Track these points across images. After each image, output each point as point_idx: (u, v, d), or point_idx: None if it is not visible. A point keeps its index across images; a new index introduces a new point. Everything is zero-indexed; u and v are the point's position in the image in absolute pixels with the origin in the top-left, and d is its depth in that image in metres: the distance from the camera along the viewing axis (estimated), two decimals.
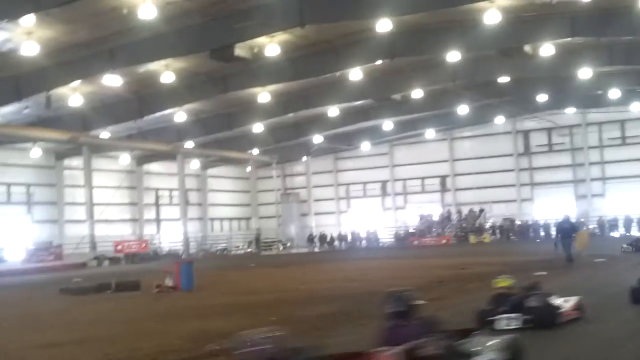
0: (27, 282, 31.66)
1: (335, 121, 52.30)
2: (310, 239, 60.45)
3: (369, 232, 60.64)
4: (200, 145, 56.31)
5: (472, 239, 53.62)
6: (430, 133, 59.53)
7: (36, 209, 51.54)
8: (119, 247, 50.15)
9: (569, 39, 34.01)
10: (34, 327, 13.72)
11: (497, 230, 55.78)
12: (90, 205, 48.68)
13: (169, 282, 20.66)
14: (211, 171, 66.12)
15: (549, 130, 57.94)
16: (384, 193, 65.17)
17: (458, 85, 45.03)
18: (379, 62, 38.09)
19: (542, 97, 49.69)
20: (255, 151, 61.16)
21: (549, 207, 54.76)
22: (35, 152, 48.61)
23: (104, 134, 48.86)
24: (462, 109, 51.40)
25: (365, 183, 65.91)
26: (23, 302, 20.04)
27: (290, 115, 50.55)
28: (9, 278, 34.74)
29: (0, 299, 21.92)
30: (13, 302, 20.14)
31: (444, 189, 62.35)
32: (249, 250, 59.45)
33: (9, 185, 49.71)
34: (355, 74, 39.46)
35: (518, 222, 55.98)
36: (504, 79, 44.03)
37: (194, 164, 61.45)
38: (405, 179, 64.08)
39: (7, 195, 49.73)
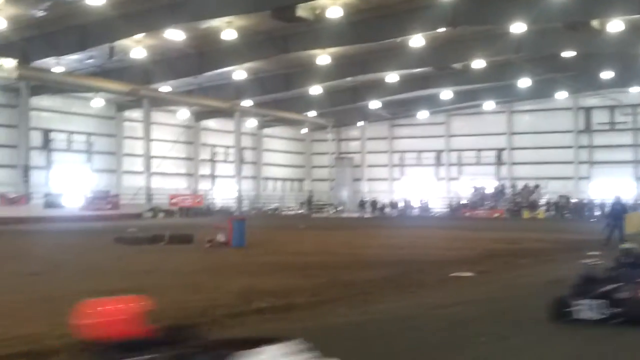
0: (83, 229, 32.54)
1: (393, 87, 51.95)
2: (362, 204, 60.53)
3: (421, 201, 60.44)
4: (258, 105, 56.61)
5: (526, 214, 52.99)
6: (489, 105, 58.69)
7: (96, 158, 52.71)
8: (174, 201, 51.05)
9: (639, 15, 33.02)
10: (88, 274, 14.13)
11: (552, 207, 54.96)
12: (148, 157, 49.56)
13: (220, 237, 20.99)
14: (267, 131, 66.53)
15: (611, 109, 56.52)
16: (438, 163, 64.72)
17: (521, 58, 44.21)
18: (441, 29, 37.58)
19: (606, 74, 48.41)
20: (312, 113, 61.21)
21: (607, 187, 53.61)
22: (97, 102, 49.62)
23: (164, 88, 49.51)
24: (524, 82, 50.48)
25: (419, 152, 65.51)
26: (79, 249, 20.62)
27: (349, 79, 50.44)
28: (67, 224, 35.80)
29: (58, 245, 22.60)
30: (70, 249, 20.74)
31: (499, 162, 61.61)
32: (300, 211, 59.88)
33: (70, 133, 50.89)
34: (417, 40, 39.05)
35: (573, 200, 55.04)
36: (568, 54, 42.99)
37: (251, 123, 61.88)
38: (460, 150, 63.49)
39: (69, 143, 50.95)
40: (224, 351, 3.85)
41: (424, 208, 59.42)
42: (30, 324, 8.37)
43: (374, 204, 59.76)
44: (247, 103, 54.81)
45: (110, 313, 4.10)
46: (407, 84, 51.82)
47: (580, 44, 39.55)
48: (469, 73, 47.48)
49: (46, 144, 49.07)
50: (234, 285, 12.14)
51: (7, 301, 10.39)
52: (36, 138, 47.32)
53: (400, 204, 60.11)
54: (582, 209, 53.74)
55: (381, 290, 12.01)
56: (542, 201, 56.15)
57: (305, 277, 13.50)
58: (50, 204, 42.89)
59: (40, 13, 34.66)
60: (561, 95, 55.63)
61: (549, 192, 56.58)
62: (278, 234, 28.87)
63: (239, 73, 46.23)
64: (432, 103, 58.80)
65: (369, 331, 8.44)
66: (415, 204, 60.25)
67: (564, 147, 57.87)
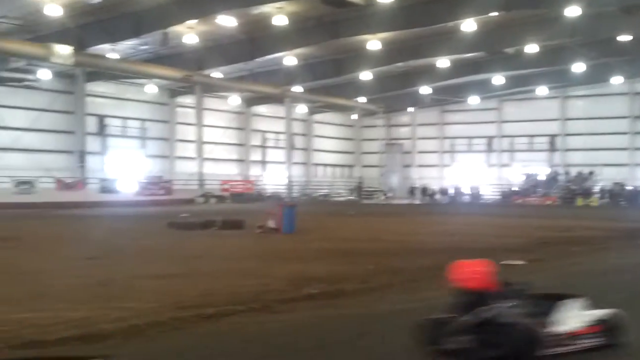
0: (137, 214, 33.13)
1: (444, 73, 51.51)
2: (411, 190, 60.29)
3: (471, 187, 59.90)
4: (308, 91, 56.72)
5: (579, 201, 52.08)
6: (542, 90, 57.77)
7: (149, 144, 53.57)
8: (225, 186, 51.58)
9: None
10: (142, 259, 14.40)
11: (606, 195, 53.89)
12: (200, 143, 50.13)
13: (271, 223, 21.13)
14: (317, 117, 66.68)
15: None
16: (489, 149, 64.07)
17: (575, 42, 43.33)
18: (494, 13, 37.04)
19: None
20: (362, 99, 61.08)
21: None
22: (151, 89, 50.36)
23: (216, 74, 49.95)
24: (578, 67, 49.51)
25: (470, 138, 64.93)
26: (133, 234, 20.98)
27: (399, 64, 50.18)
28: (121, 209, 36.51)
29: (113, 230, 23.05)
30: (124, 233, 21.14)
31: (552, 148, 60.70)
32: (350, 197, 59.91)
33: (125, 119, 51.79)
34: (469, 25, 38.60)
35: (628, 188, 53.87)
36: (624, 37, 41.99)
37: (301, 109, 62.06)
38: (512, 136, 62.72)
39: (123, 129, 51.87)
40: (548, 302, 6.39)
41: (475, 195, 58.85)
42: (85, 307, 8.55)
43: (423, 190, 59.43)
44: (297, 89, 54.96)
45: (474, 271, 6.33)
46: (459, 69, 51.33)
47: (636, 27, 38.66)
48: (521, 58, 46.77)
49: (101, 130, 50.08)
50: (285, 271, 12.24)
51: (63, 285, 10.67)
52: (92, 124, 48.31)
53: (451, 191, 59.64)
54: (636, 196, 52.55)
55: (431, 277, 11.95)
56: (596, 188, 55.09)
57: (354, 263, 13.52)
58: (105, 189, 43.81)
59: (96, 0, 35.29)
60: (616, 80, 54.40)
61: (603, 179, 55.49)
62: (328, 221, 28.94)
63: (289, 59, 46.37)
64: (483, 88, 58.14)
65: (418, 318, 8.43)
66: (466, 190, 59.69)
67: (619, 134, 56.69)
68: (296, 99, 57.43)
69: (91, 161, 46.68)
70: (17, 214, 31.33)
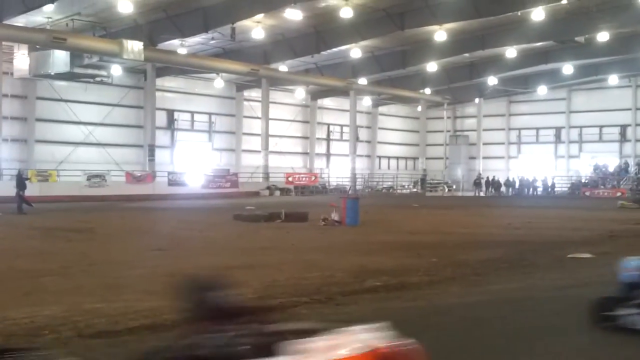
0: (204, 206, 33.69)
1: (511, 63, 50.68)
2: (477, 182, 59.63)
3: (538, 179, 58.73)
4: (373, 83, 56.59)
5: None
6: (613, 79, 56.19)
7: (216, 137, 54.33)
8: (290, 179, 51.92)
9: None
10: (209, 250, 14.69)
11: None
12: (266, 136, 50.58)
13: (335, 216, 21.27)
14: (382, 109, 66.48)
15: None
16: (557, 140, 62.79)
17: None
18: (564, 1, 36.26)
19: None
20: (427, 91, 60.58)
21: None
22: (218, 83, 51.03)
23: (282, 68, 50.28)
24: None
25: (538, 129, 63.73)
26: (201, 226, 21.37)
27: (466, 55, 49.63)
28: (189, 201, 37.19)
29: (181, 222, 23.51)
30: (192, 225, 21.54)
31: (623, 139, 59.10)
32: (414, 190, 59.59)
33: (193, 113, 52.69)
34: (538, 13, 37.80)
35: None
36: None
37: (366, 101, 61.94)
38: (581, 127, 61.29)
39: (191, 123, 52.79)
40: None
41: (543, 187, 57.75)
42: (153, 298, 8.77)
43: (488, 182, 58.59)
44: (362, 81, 54.86)
45: None
46: (526, 58, 50.45)
47: None
48: (592, 46, 45.63)
49: (170, 124, 51.07)
50: (348, 263, 12.33)
51: (132, 275, 11.00)
52: (161, 118, 49.28)
53: (517, 183, 58.64)
54: None
55: (495, 270, 11.90)
56: None
57: (418, 256, 13.53)
58: (173, 181, 44.63)
59: None
60: None
61: None
62: (391, 213, 28.93)
63: (354, 51, 46.32)
64: (552, 78, 56.95)
65: (481, 312, 8.42)
66: (534, 182, 58.59)
67: None
68: (361, 91, 57.33)
69: (160, 155, 47.63)
70: (89, 207, 32.26)
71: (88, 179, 40.97)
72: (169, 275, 10.89)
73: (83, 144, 45.95)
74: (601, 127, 60.18)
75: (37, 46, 39.06)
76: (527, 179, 58.27)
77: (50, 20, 38.01)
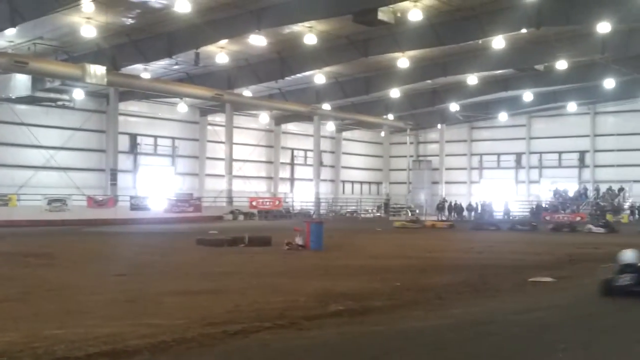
0: (167, 231, 33.44)
1: (473, 90, 51.44)
2: (440, 207, 60.05)
3: (500, 204, 59.28)
4: (337, 108, 56.96)
5: (609, 218, 51.41)
6: (571, 106, 57.29)
7: (179, 162, 54.09)
8: (254, 203, 51.80)
9: None
10: (171, 275, 14.56)
11: (637, 211, 53.15)
12: (230, 160, 50.51)
13: (299, 240, 21.23)
14: (346, 134, 66.87)
15: None
16: (518, 165, 63.74)
17: (606, 58, 42.96)
18: (524, 30, 36.96)
19: None
20: (390, 116, 61.14)
21: None
22: (182, 107, 50.91)
23: (246, 93, 50.35)
24: (608, 83, 49.02)
25: (499, 154, 64.66)
26: (163, 251, 21.20)
27: (428, 81, 50.23)
28: (152, 226, 36.87)
29: (143, 246, 23.31)
30: (154, 250, 21.35)
31: (582, 164, 60.20)
32: (377, 214, 59.82)
33: (156, 137, 52.42)
34: (498, 42, 38.48)
35: None
36: None
37: (330, 126, 62.25)
38: (541, 152, 62.36)
39: (154, 147, 52.49)
40: None
41: (505, 212, 58.34)
42: (114, 323, 8.68)
43: (451, 207, 59.02)
44: (326, 107, 55.17)
45: None
46: (488, 86, 51.26)
47: None
48: (551, 74, 46.53)
49: (133, 148, 50.71)
50: (312, 287, 12.31)
51: (92, 301, 10.85)
52: (124, 142, 48.90)
53: (479, 208, 59.16)
54: None
55: (458, 294, 11.98)
56: (627, 205, 54.40)
57: (382, 280, 13.56)
58: (136, 206, 44.22)
59: (129, 21, 35.90)
60: None
61: (633, 196, 54.82)
62: (355, 237, 28.98)
63: (318, 77, 46.60)
64: (512, 105, 57.89)
65: (445, 336, 8.46)
66: (494, 207, 59.15)
67: None
68: (325, 116, 57.64)
69: (122, 179, 47.21)
70: (49, 231, 31.81)
71: (49, 204, 40.43)
72: (130, 300, 10.80)
73: (44, 168, 45.36)
74: (560, 153, 61.26)
75: None
76: (489, 203, 58.83)
77: (12, 43, 37.64)
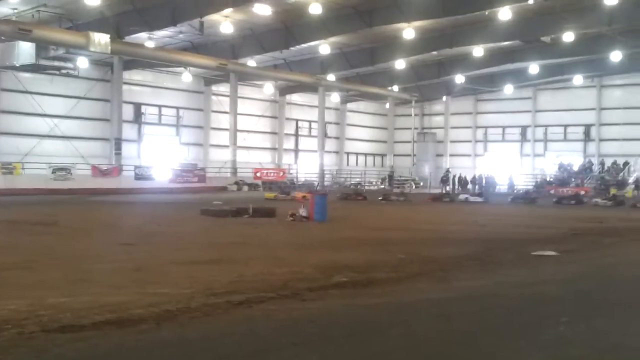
0: (172, 201, 33.53)
1: (478, 62, 51.09)
2: (444, 180, 59.95)
3: (504, 177, 59.15)
4: (342, 79, 56.68)
5: (613, 191, 51.29)
6: (578, 79, 56.96)
7: (184, 132, 54.01)
8: (258, 174, 51.81)
9: None
10: (175, 245, 14.62)
11: None
12: (234, 131, 50.43)
13: (302, 212, 21.27)
14: (350, 105, 66.65)
15: None
16: (523, 138, 63.54)
17: (613, 30, 42.63)
18: (531, 1, 36.65)
19: None
20: (395, 88, 60.87)
21: None
22: (187, 77, 50.73)
23: (251, 63, 50.13)
24: (615, 56, 48.67)
25: (504, 127, 64.45)
26: (168, 221, 21.26)
27: (434, 53, 49.93)
28: (156, 196, 36.95)
29: (148, 216, 23.38)
30: (159, 220, 21.42)
31: (587, 138, 60.01)
32: (381, 186, 59.78)
33: (160, 107, 52.33)
34: (505, 13, 38.15)
35: None
36: None
37: (334, 98, 62.03)
38: (546, 126, 62.14)
39: (159, 117, 52.42)
40: None
41: (509, 185, 58.23)
42: (119, 292, 8.74)
43: (461, 180, 58.86)
44: (331, 77, 54.93)
45: None
46: (494, 57, 50.92)
47: None
48: (557, 46, 46.21)
49: (137, 118, 50.66)
50: (315, 259, 12.35)
51: (98, 270, 10.91)
52: (128, 112, 48.86)
53: (483, 181, 59.03)
54: None
55: (462, 267, 12.00)
56: (631, 179, 54.27)
57: (385, 252, 13.60)
58: (140, 176, 44.27)
59: None
60: None
61: (638, 170, 54.65)
62: (359, 209, 29.02)
63: (323, 47, 46.32)
64: (518, 77, 57.61)
65: (449, 308, 8.49)
66: (499, 180, 59.04)
67: None
68: (330, 87, 57.40)
69: (127, 148, 47.25)
70: (54, 200, 31.91)
71: (53, 172, 40.49)
72: (135, 270, 10.85)
73: (48, 137, 45.36)
74: (566, 126, 61.06)
75: (2, 37, 38.40)
76: (493, 176, 58.68)
77: (15, 11, 37.45)
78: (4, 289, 8.94)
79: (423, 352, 6.48)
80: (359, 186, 56.44)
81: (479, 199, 38.58)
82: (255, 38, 44.86)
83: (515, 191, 48.83)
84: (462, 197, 40.06)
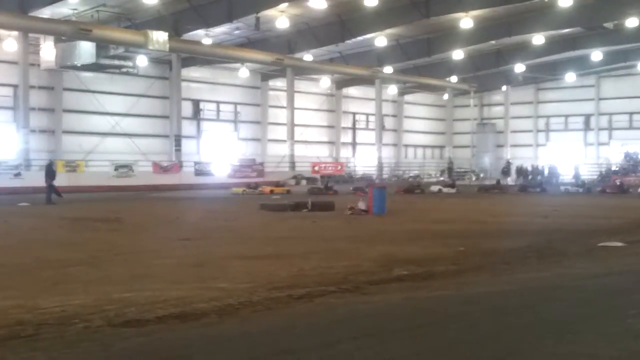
0: (231, 196, 33.79)
1: (539, 50, 50.15)
2: (505, 171, 59.08)
3: (568, 167, 57.92)
4: (399, 71, 56.33)
5: None
6: None
7: (242, 127, 54.50)
8: (316, 168, 51.90)
9: None
10: (236, 240, 14.72)
11: None
12: (292, 125, 50.62)
13: (361, 205, 21.24)
14: (408, 97, 66.20)
15: None
16: (586, 127, 62.15)
17: None
18: None
19: None
20: (454, 79, 60.19)
21: None
22: (243, 73, 51.13)
23: (307, 57, 50.24)
24: None
25: (567, 116, 63.16)
26: (227, 216, 21.42)
27: (492, 42, 49.20)
28: (215, 191, 37.35)
29: (208, 212, 23.62)
30: (218, 215, 21.62)
31: None
32: (441, 179, 59.23)
33: (218, 103, 52.88)
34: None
35: None
36: None
37: (392, 90, 61.71)
38: (611, 114, 60.66)
39: (217, 113, 52.99)
40: None
41: (575, 175, 56.98)
42: (181, 286, 8.82)
43: (523, 171, 57.89)
44: (387, 70, 54.64)
45: None
46: (554, 45, 49.93)
47: None
48: (620, 32, 45.06)
49: (196, 114, 51.32)
50: (375, 252, 12.29)
51: (161, 265, 11.05)
52: (187, 108, 49.54)
53: (546, 171, 57.93)
54: None
55: (524, 259, 11.79)
56: None
57: (445, 245, 13.45)
58: (200, 171, 44.84)
59: None
60: None
61: None
62: (418, 202, 28.81)
63: (380, 40, 46.12)
64: (580, 65, 56.35)
65: (510, 301, 8.33)
66: (562, 170, 57.86)
67: None
68: (387, 79, 57.12)
69: (186, 145, 47.91)
70: (116, 197, 32.55)
71: (115, 169, 41.32)
72: (196, 265, 10.97)
73: (110, 135, 46.32)
74: (631, 114, 59.50)
75: (63, 37, 39.35)
76: (555, 166, 57.53)
77: (75, 11, 38.32)
78: (70, 285, 9.14)
79: (483, 346, 6.37)
80: (417, 179, 56.13)
81: (536, 190, 38.03)
82: (311, 32, 44.94)
83: (581, 182, 47.53)
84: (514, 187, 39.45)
